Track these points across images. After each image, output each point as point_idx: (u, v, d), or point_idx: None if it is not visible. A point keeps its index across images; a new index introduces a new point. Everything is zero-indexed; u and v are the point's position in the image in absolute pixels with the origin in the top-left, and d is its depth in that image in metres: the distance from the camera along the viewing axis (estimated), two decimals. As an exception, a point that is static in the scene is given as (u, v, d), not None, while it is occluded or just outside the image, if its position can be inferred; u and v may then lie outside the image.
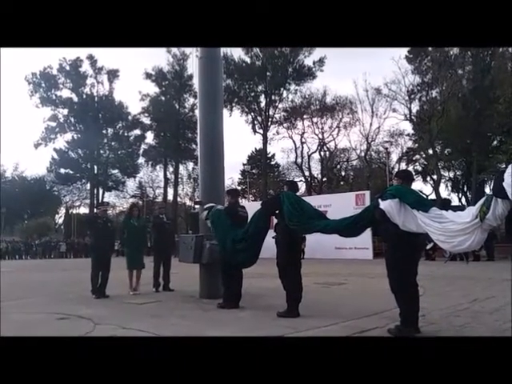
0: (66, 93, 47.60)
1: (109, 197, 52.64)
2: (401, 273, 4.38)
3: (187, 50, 41.04)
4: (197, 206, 7.33)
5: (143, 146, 50.25)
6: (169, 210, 41.77)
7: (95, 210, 10.02)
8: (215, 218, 6.61)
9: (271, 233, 6.02)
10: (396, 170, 31.97)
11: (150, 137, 49.31)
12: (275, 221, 5.95)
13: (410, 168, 38.44)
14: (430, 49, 31.30)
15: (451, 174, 38.33)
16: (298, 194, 6.15)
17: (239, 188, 49.30)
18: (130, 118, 49.66)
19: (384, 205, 4.33)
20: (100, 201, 47.18)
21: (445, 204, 4.73)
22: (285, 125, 41.69)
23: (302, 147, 41.58)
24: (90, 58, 46.93)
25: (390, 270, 4.50)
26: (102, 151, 49.88)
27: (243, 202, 39.20)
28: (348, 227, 4.96)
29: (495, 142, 32.18)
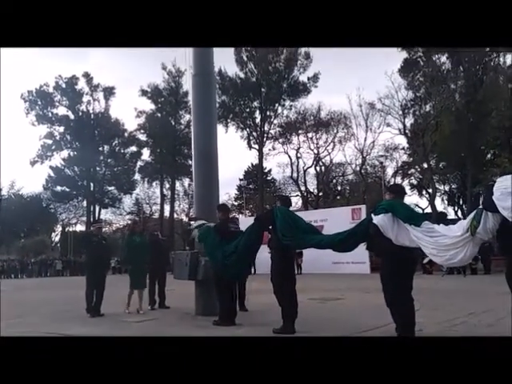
0: (62, 110, 47.83)
1: (105, 214, 52.64)
2: (395, 287, 4.38)
3: (182, 67, 41.33)
4: (192, 223, 7.31)
5: (139, 163, 50.35)
6: (163, 227, 41.79)
7: (90, 228, 10.02)
8: (204, 235, 6.63)
9: (266, 248, 6.02)
10: (392, 183, 32.02)
11: (146, 153, 49.47)
12: (269, 236, 5.96)
13: (406, 182, 38.67)
14: (422, 64, 31.68)
15: (446, 188, 38.49)
16: (293, 208, 6.17)
17: (236, 203, 49.39)
18: (126, 134, 49.77)
19: (377, 219, 4.35)
20: (97, 218, 47.08)
21: (441, 218, 4.75)
22: (280, 140, 41.89)
23: (298, 162, 41.79)
24: (86, 75, 47.22)
25: (385, 284, 4.49)
26: (98, 168, 49.86)
27: (240, 217, 39.26)
28: (342, 242, 4.96)
29: (489, 156, 32.39)
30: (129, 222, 53.17)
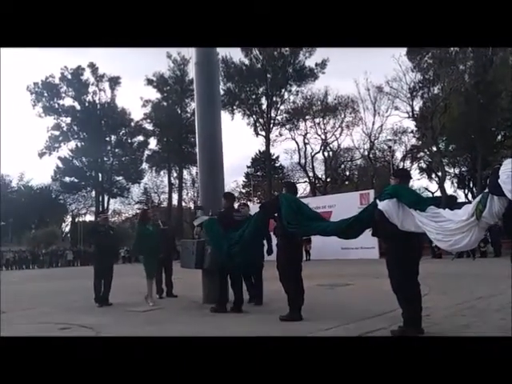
0: (68, 101, 47.99)
1: (114, 203, 53.05)
2: (402, 273, 4.32)
3: (187, 55, 41.11)
4: (196, 218, 7.25)
5: (147, 152, 50.42)
6: (163, 216, 41.92)
7: (97, 218, 9.96)
8: (208, 227, 6.61)
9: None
10: (401, 167, 31.78)
11: (153, 142, 49.54)
12: (275, 223, 5.92)
13: (415, 166, 38.39)
14: (430, 45, 31.18)
15: (456, 171, 38.17)
16: (301, 194, 6.11)
17: (244, 191, 49.41)
18: (132, 124, 49.84)
19: (382, 205, 4.28)
20: (105, 208, 47.42)
21: (450, 201, 4.67)
22: (287, 126, 41.68)
23: (305, 148, 41.58)
24: (92, 65, 47.18)
25: (391, 270, 4.44)
26: (105, 158, 50.05)
27: (249, 204, 39.21)
28: (347, 229, 4.90)
29: (499, 137, 32.02)
30: (138, 211, 53.54)
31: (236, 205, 7.36)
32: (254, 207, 10.00)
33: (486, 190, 3.68)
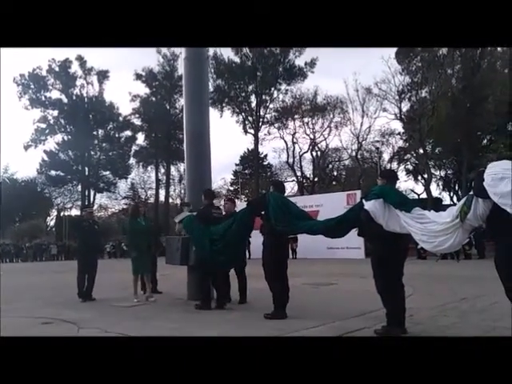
0: (55, 94, 47.18)
1: (100, 198, 52.53)
2: (386, 273, 4.35)
3: (177, 51, 40.89)
4: (180, 215, 7.20)
5: (134, 147, 49.89)
6: (150, 211, 41.75)
7: (81, 213, 9.79)
8: (188, 225, 6.59)
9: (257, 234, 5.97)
10: (388, 168, 31.98)
11: (141, 138, 49.02)
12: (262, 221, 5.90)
13: (401, 167, 38.63)
14: (419, 48, 31.41)
15: (442, 173, 38.54)
16: (288, 193, 6.11)
17: (231, 188, 49.36)
18: (120, 119, 49.27)
19: (368, 205, 4.30)
20: (92, 202, 47.00)
21: (436, 203, 4.70)
22: (276, 125, 41.63)
23: (294, 147, 41.60)
24: (80, 58, 46.53)
25: (376, 270, 4.47)
26: (92, 152, 49.49)
27: (237, 202, 39.16)
28: (333, 228, 4.92)
29: (485, 141, 32.39)
30: (124, 206, 53.20)
31: (222, 201, 7.35)
32: (241, 205, 9.98)
33: (471, 193, 3.71)
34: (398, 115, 34.14)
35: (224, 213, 7.03)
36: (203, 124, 7.82)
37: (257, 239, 6.40)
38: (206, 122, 7.88)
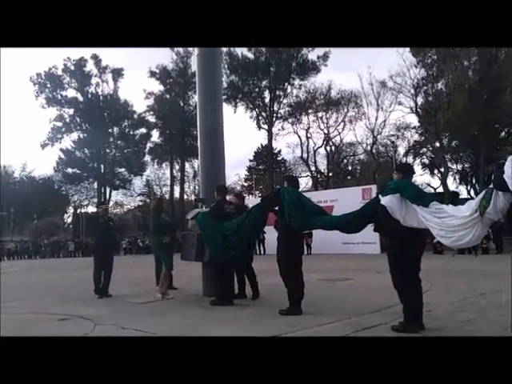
0: (71, 93, 47.79)
1: (116, 195, 53.03)
2: (403, 269, 4.29)
3: (190, 48, 40.92)
4: (194, 211, 7.18)
5: (149, 145, 50.28)
6: (174, 208, 41.96)
7: (97, 210, 9.76)
8: (201, 221, 6.56)
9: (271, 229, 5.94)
10: (403, 162, 31.66)
11: (155, 135, 49.38)
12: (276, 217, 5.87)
13: (417, 161, 38.22)
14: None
15: (459, 167, 38.04)
16: (303, 189, 6.07)
17: (246, 184, 49.38)
18: (135, 116, 49.66)
19: (385, 200, 4.24)
20: (107, 199, 47.44)
21: (453, 197, 4.63)
22: (290, 120, 41.48)
23: (308, 142, 41.43)
24: (95, 57, 46.97)
25: (392, 266, 4.41)
26: (108, 150, 49.97)
27: (250, 198, 39.22)
28: (349, 223, 4.87)
29: (503, 134, 31.86)
30: (140, 203, 53.60)
31: (230, 196, 7.30)
32: (255, 200, 9.95)
33: (491, 186, 3.63)
34: (414, 109, 33.74)
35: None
36: (217, 120, 7.80)
37: (271, 235, 6.37)
38: (219, 118, 7.85)
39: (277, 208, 5.67)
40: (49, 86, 46.81)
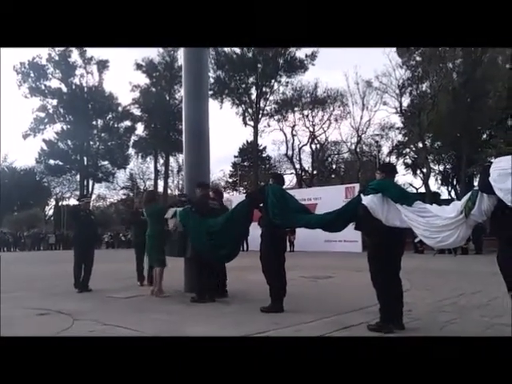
0: (55, 83, 47.04)
1: (99, 188, 52.50)
2: (382, 268, 4.31)
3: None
4: (171, 209, 7.01)
5: (133, 138, 49.87)
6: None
7: (78, 203, 9.53)
8: (183, 218, 6.49)
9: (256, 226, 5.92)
10: (386, 162, 31.92)
11: (140, 128, 49.03)
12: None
13: (400, 161, 38.57)
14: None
15: (441, 168, 38.45)
16: (287, 186, 6.07)
17: (230, 180, 49.31)
18: (120, 109, 49.18)
19: (366, 200, 4.25)
20: (90, 192, 46.93)
21: (434, 198, 4.66)
22: (276, 117, 41.51)
23: (293, 140, 41.50)
24: (80, 48, 46.28)
25: (372, 265, 4.43)
26: (91, 142, 49.38)
27: (234, 194, 39.14)
28: (331, 222, 4.88)
29: (485, 136, 32.28)
30: (123, 196, 53.17)
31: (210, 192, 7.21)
32: (240, 197, 9.90)
33: (476, 188, 3.66)
34: (398, 109, 34.03)
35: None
36: (202, 115, 7.75)
37: (254, 231, 6.35)
38: (205, 114, 7.80)
39: (262, 205, 5.66)
40: (32, 75, 45.98)
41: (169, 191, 48.30)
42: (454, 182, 37.55)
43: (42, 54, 46.22)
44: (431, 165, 34.42)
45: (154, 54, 45.22)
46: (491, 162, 3.51)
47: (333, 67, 59.45)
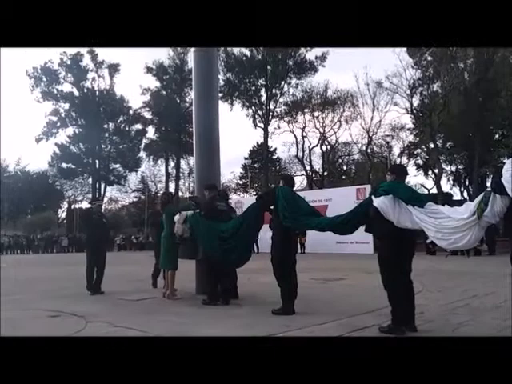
0: (67, 87, 47.57)
1: (111, 191, 52.87)
2: (393, 270, 4.28)
3: (188, 44, 40.75)
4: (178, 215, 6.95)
5: (144, 141, 50.22)
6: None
7: (90, 206, 9.55)
8: (194, 223, 6.45)
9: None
10: (397, 163, 31.73)
11: (151, 131, 49.31)
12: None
13: (412, 162, 38.31)
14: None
15: (453, 168, 38.09)
16: (298, 187, 6.05)
17: (241, 182, 49.37)
18: (131, 112, 49.55)
19: (377, 202, 4.22)
20: (102, 195, 47.28)
21: (446, 198, 4.63)
22: (286, 119, 41.38)
23: (303, 141, 41.33)
24: (91, 52, 46.72)
25: (383, 267, 4.40)
26: (103, 145, 49.82)
27: (245, 196, 39.15)
28: (341, 225, 4.85)
29: (497, 136, 31.96)
30: (134, 199, 53.46)
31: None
32: (250, 199, 9.90)
33: (489, 189, 3.63)
34: (409, 109, 33.75)
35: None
36: (213, 117, 7.78)
37: (265, 233, 6.35)
38: (215, 116, 7.83)
39: (272, 207, 5.66)
40: (44, 80, 46.52)
41: (180, 193, 48.48)
42: (467, 183, 37.22)
43: (53, 58, 46.91)
44: (443, 165, 34.15)
45: (164, 57, 45.50)
46: (504, 163, 3.48)
47: (343, 68, 59.51)
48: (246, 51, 40.14)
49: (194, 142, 8.00)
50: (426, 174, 39.27)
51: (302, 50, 39.80)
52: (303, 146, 41.40)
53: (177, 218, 6.70)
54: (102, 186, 50.22)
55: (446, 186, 37.65)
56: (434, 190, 32.88)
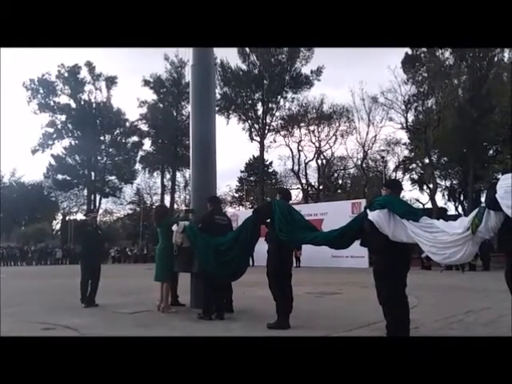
0: (63, 99, 47.61)
1: (106, 203, 52.69)
2: (388, 285, 4.28)
3: (185, 58, 41.05)
4: (175, 226, 6.91)
5: (141, 153, 50.21)
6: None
7: (85, 218, 9.53)
8: (191, 235, 6.41)
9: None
10: (392, 178, 31.89)
11: (147, 144, 49.38)
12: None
13: (407, 177, 38.54)
14: (425, 58, 31.43)
15: (447, 183, 38.35)
16: (293, 201, 6.06)
17: (236, 195, 49.37)
18: (127, 124, 49.61)
19: (372, 216, 4.25)
20: (97, 207, 47.11)
21: (441, 213, 4.66)
22: (282, 133, 41.64)
23: (299, 155, 41.58)
24: (88, 64, 46.96)
25: (377, 281, 4.41)
26: (99, 157, 49.74)
27: (240, 209, 39.14)
28: (336, 239, 4.87)
29: (491, 152, 32.26)
30: (129, 211, 53.27)
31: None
32: (246, 212, 9.89)
33: (483, 205, 3.66)
34: (404, 125, 34.09)
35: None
36: (209, 131, 7.81)
37: (260, 246, 6.35)
38: (212, 129, 7.87)
39: (268, 220, 5.67)
40: (41, 91, 46.57)
41: (175, 206, 48.39)
42: (461, 198, 37.42)
43: (51, 70, 46.98)
44: (438, 180, 34.37)
45: (161, 70, 45.93)
46: (498, 179, 3.52)
47: (338, 83, 59.96)
48: (243, 66, 40.56)
49: (190, 154, 8.01)
50: (421, 189, 39.52)
51: (298, 64, 40.28)
52: (299, 159, 41.68)
53: (175, 227, 6.66)
54: (98, 197, 50.09)
55: (440, 200, 37.87)
56: (429, 205, 33.05)
